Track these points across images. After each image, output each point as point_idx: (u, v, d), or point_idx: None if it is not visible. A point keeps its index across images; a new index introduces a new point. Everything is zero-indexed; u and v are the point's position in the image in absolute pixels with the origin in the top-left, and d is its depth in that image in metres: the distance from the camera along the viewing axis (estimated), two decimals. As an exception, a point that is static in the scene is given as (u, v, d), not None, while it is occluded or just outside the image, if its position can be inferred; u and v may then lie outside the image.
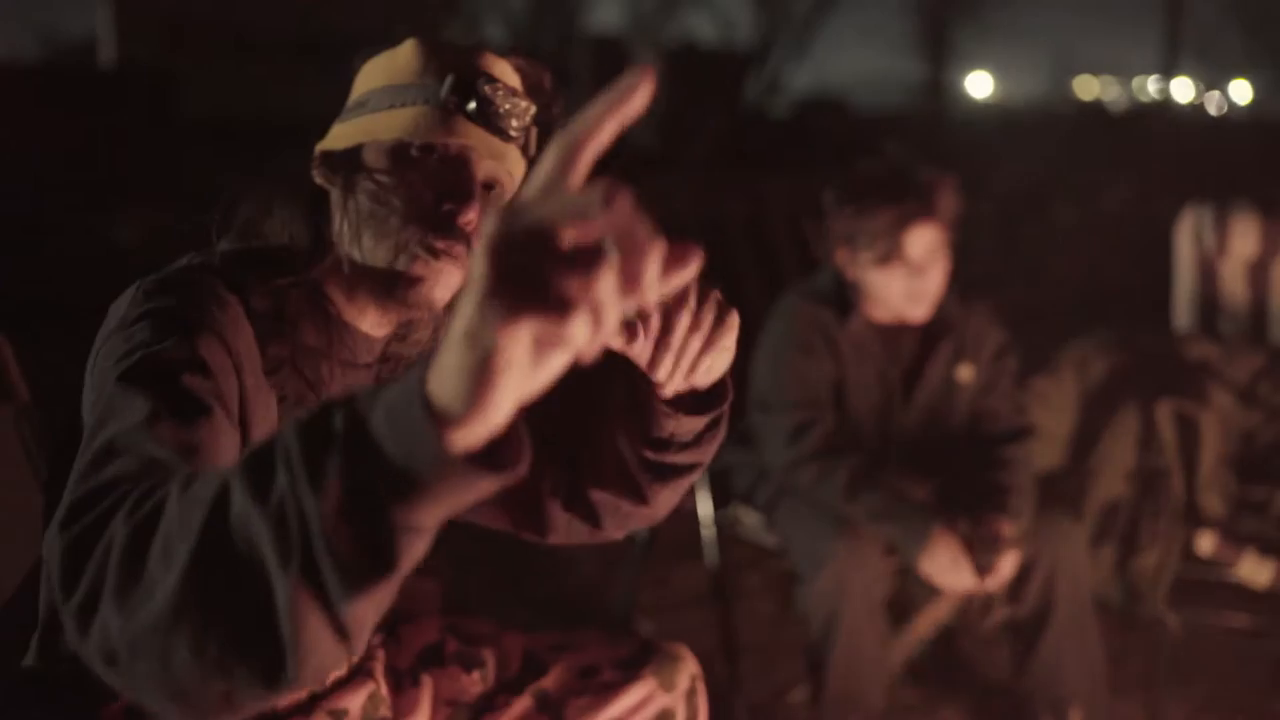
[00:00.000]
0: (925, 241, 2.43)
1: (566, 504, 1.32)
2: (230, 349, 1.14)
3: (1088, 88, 47.08)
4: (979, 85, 48.66)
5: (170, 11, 20.72)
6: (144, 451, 0.96)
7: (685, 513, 2.75)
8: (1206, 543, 2.51)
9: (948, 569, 2.29)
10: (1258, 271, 3.03)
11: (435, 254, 1.20)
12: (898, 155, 2.55)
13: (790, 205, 3.27)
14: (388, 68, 1.27)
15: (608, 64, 22.60)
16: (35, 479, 1.57)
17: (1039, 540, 2.36)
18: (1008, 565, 2.31)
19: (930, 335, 2.55)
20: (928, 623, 2.49)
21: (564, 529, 1.34)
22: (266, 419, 1.20)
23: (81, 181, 10.06)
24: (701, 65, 22.91)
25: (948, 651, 2.91)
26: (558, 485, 1.32)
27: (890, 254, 2.43)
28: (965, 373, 2.55)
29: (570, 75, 22.87)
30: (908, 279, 2.44)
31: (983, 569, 2.28)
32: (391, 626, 1.52)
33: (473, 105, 1.23)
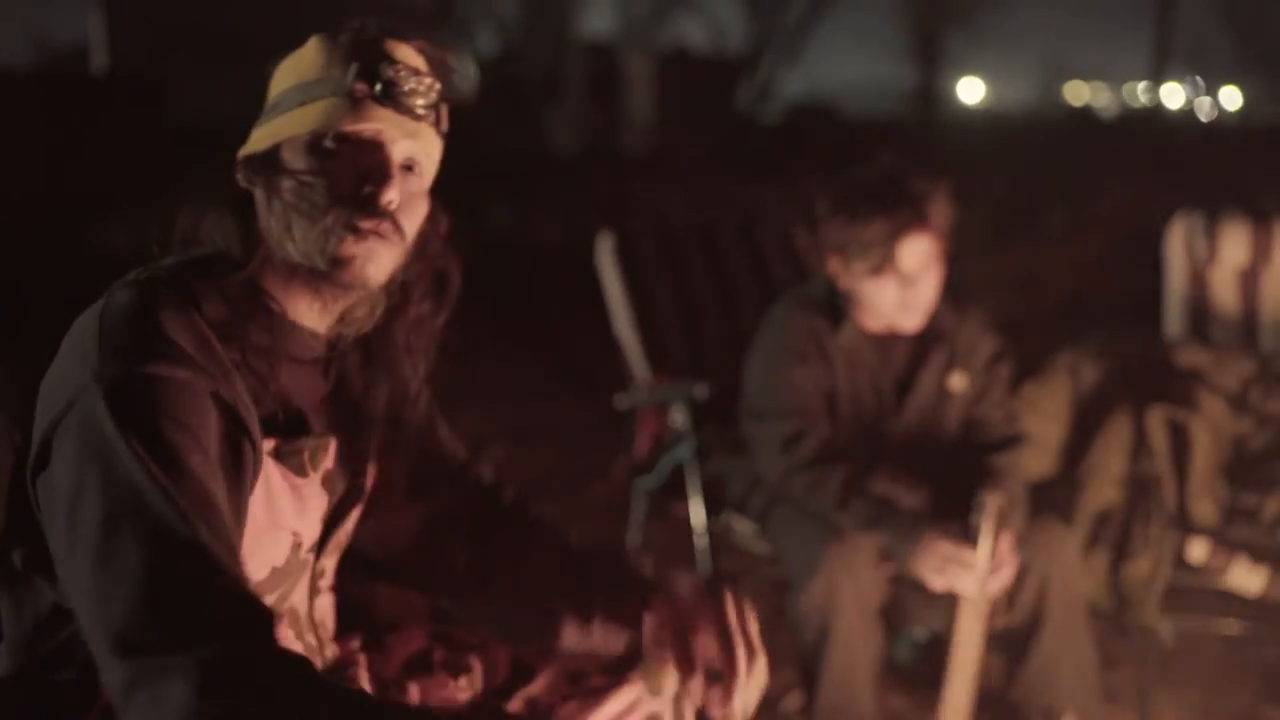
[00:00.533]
0: (918, 252, 2.43)
1: None
2: (205, 369, 1.20)
3: (1078, 93, 47.19)
4: (970, 91, 48.75)
5: (162, 18, 20.69)
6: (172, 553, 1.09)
7: (678, 520, 2.75)
8: (1198, 550, 2.52)
9: (940, 570, 2.29)
10: (1248, 279, 3.04)
11: (362, 233, 1.26)
12: (890, 163, 2.55)
13: (783, 212, 3.27)
14: (295, 68, 1.33)
15: (600, 70, 22.59)
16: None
17: (1031, 548, 2.36)
18: (1006, 571, 2.31)
19: (923, 344, 2.55)
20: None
21: None
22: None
23: (72, 187, 10.02)
24: (693, 71, 22.92)
25: (940, 659, 2.91)
26: None
27: (883, 264, 2.43)
28: (958, 381, 2.55)
29: (562, 81, 22.88)
30: (900, 289, 2.44)
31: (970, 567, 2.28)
32: (376, 636, 1.52)
33: (379, 88, 1.28)
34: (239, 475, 1.23)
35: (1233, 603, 2.48)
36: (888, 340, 2.55)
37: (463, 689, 1.48)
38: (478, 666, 1.50)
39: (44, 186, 9.78)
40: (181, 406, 1.16)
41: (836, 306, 2.54)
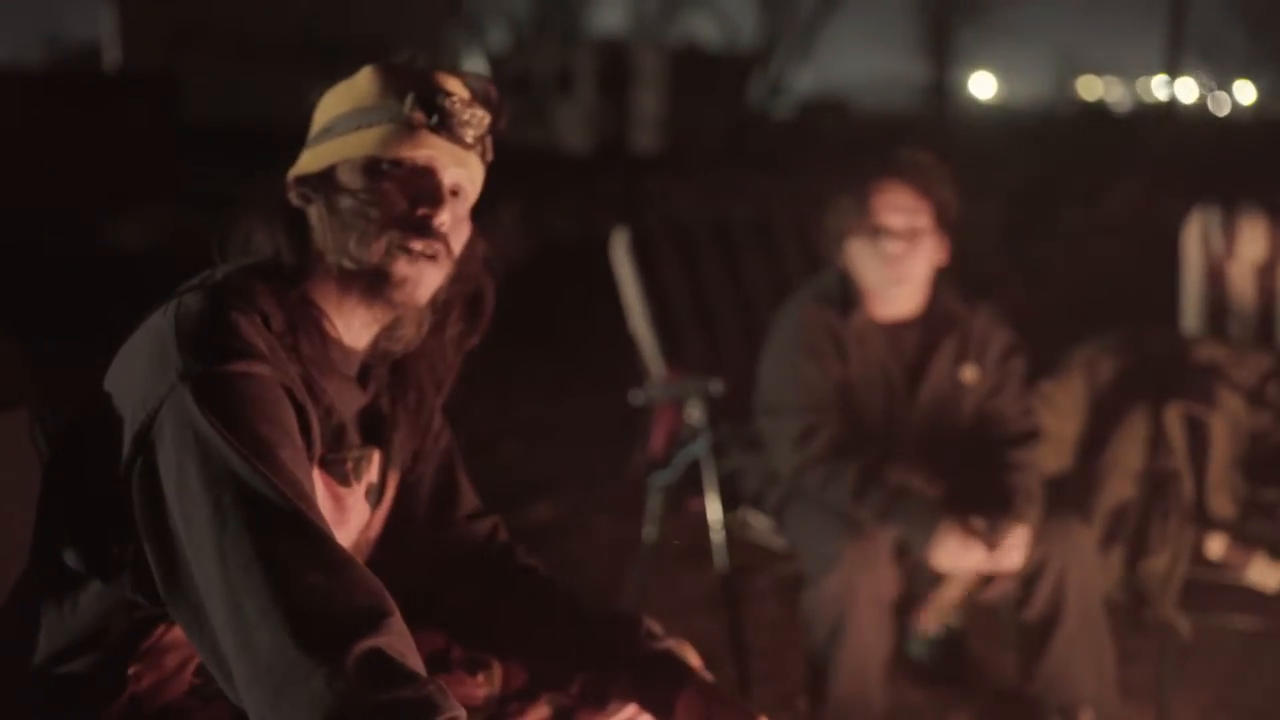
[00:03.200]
0: (895, 205, 2.45)
1: None
2: (279, 367, 1.26)
3: (1091, 88, 47.03)
4: (982, 86, 48.63)
5: (174, 16, 20.76)
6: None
7: (694, 516, 2.76)
8: (1216, 545, 2.51)
9: (958, 554, 2.30)
10: (1265, 274, 3.02)
11: (414, 254, 1.33)
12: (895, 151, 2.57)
13: (795, 207, 3.27)
14: (349, 95, 1.40)
15: (611, 67, 22.60)
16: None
17: (1048, 544, 2.36)
18: (1019, 548, 2.32)
19: (933, 333, 2.55)
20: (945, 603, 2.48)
21: None
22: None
23: (86, 184, 10.06)
24: (705, 67, 22.90)
25: (956, 654, 2.91)
26: None
27: (861, 219, 2.46)
28: (970, 373, 2.55)
29: (573, 78, 22.88)
30: (879, 245, 2.45)
31: (992, 545, 2.29)
32: None
33: (434, 118, 1.36)
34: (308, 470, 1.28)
35: (1251, 598, 2.47)
36: (898, 328, 2.55)
37: (480, 685, 1.48)
38: (497, 667, 1.50)
39: (57, 184, 9.81)
40: (266, 401, 1.22)
41: (847, 296, 2.54)
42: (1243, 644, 2.88)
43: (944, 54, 33.94)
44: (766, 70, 25.97)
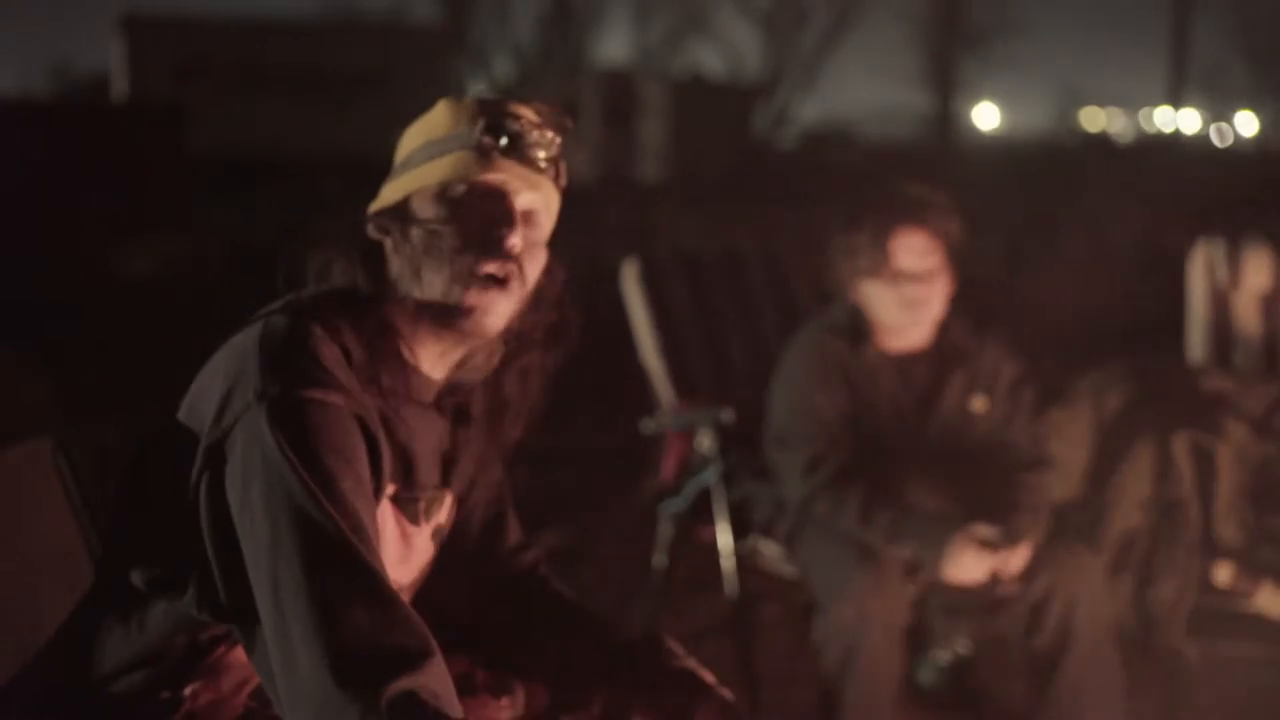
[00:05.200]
0: (913, 250, 2.47)
1: None
2: (355, 397, 1.27)
3: (1094, 119, 47.18)
4: (985, 117, 48.78)
5: (182, 48, 20.86)
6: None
7: (705, 544, 2.77)
8: (1224, 573, 2.52)
9: (972, 567, 2.32)
10: (1271, 304, 3.05)
11: (487, 282, 1.33)
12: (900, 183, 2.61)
13: (803, 237, 3.30)
14: (424, 129, 1.41)
15: (616, 97, 22.69)
16: (72, 510, 1.59)
17: (1057, 572, 2.37)
18: (1021, 556, 2.35)
19: (942, 364, 2.58)
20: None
21: None
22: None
23: (93, 213, 10.11)
24: (710, 98, 23.00)
25: (966, 682, 2.91)
26: None
27: (879, 263, 2.48)
28: (980, 404, 2.57)
29: (578, 108, 22.98)
30: (900, 292, 2.47)
31: (998, 550, 2.34)
32: None
33: (505, 141, 1.36)
34: (375, 503, 1.29)
35: (1259, 626, 2.48)
36: (908, 360, 2.57)
37: (505, 709, 1.49)
38: (520, 690, 1.52)
39: (66, 213, 9.86)
40: (337, 431, 1.23)
41: (857, 328, 2.57)
42: (1251, 671, 2.88)
43: (947, 85, 34.08)
44: (771, 101, 26.08)
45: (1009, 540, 2.35)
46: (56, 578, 1.53)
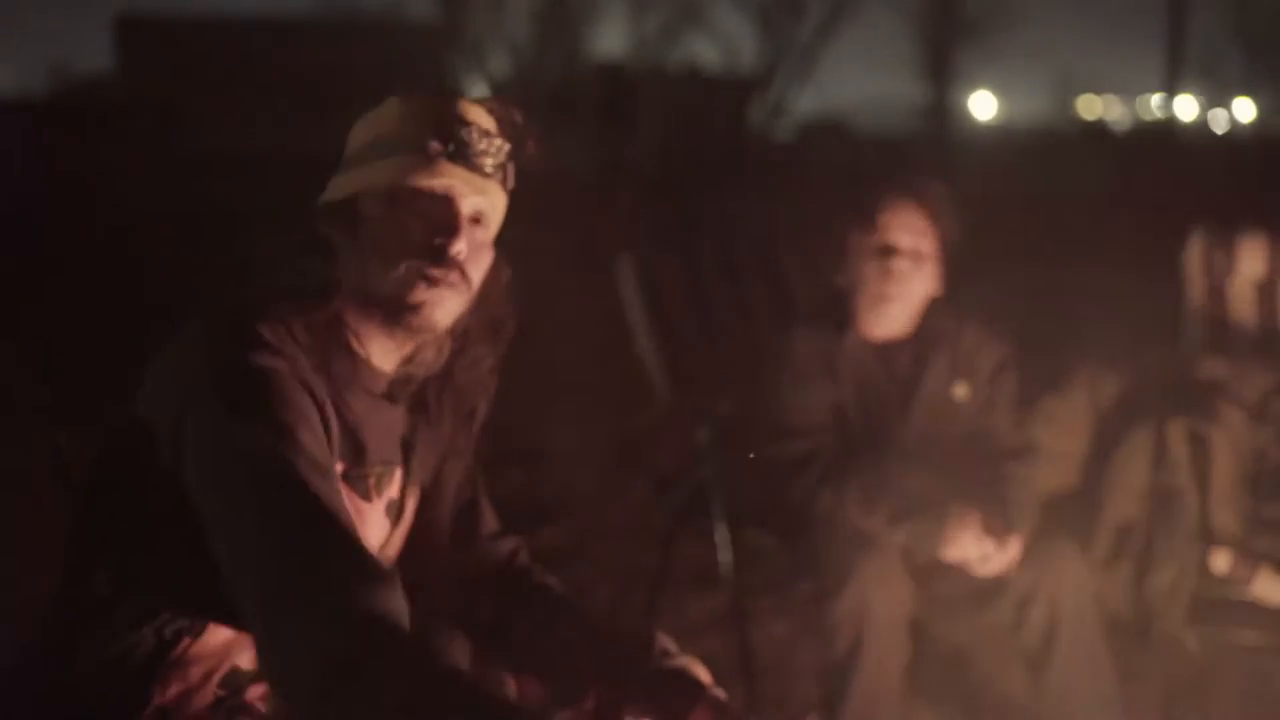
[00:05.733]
0: (905, 224, 2.49)
1: None
2: (300, 365, 1.32)
3: (1091, 107, 47.14)
4: (982, 106, 48.73)
5: (178, 48, 20.87)
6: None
7: (703, 536, 2.77)
8: (1221, 561, 2.52)
9: (973, 547, 2.34)
10: (1266, 291, 3.04)
11: (432, 282, 1.37)
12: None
13: (799, 228, 3.29)
14: (374, 124, 1.43)
15: (612, 91, 22.68)
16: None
17: (1039, 568, 2.38)
18: (1010, 555, 2.36)
19: (924, 351, 2.58)
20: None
21: None
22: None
23: (90, 211, 10.13)
24: (706, 90, 22.99)
25: (965, 673, 2.91)
26: None
27: (869, 234, 2.50)
28: (961, 390, 2.58)
29: (574, 102, 22.96)
30: (885, 263, 2.48)
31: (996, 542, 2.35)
32: None
33: (451, 148, 1.39)
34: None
35: (1257, 613, 2.48)
36: (890, 349, 2.58)
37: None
38: (511, 683, 1.52)
39: (62, 211, 9.88)
40: (286, 393, 1.27)
41: (841, 315, 2.57)
42: (1250, 659, 2.88)
43: (943, 74, 34.04)
44: (767, 93, 26.04)
45: (1002, 534, 2.36)
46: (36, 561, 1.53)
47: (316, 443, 1.28)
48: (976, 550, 2.35)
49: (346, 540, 1.22)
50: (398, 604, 1.19)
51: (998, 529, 2.36)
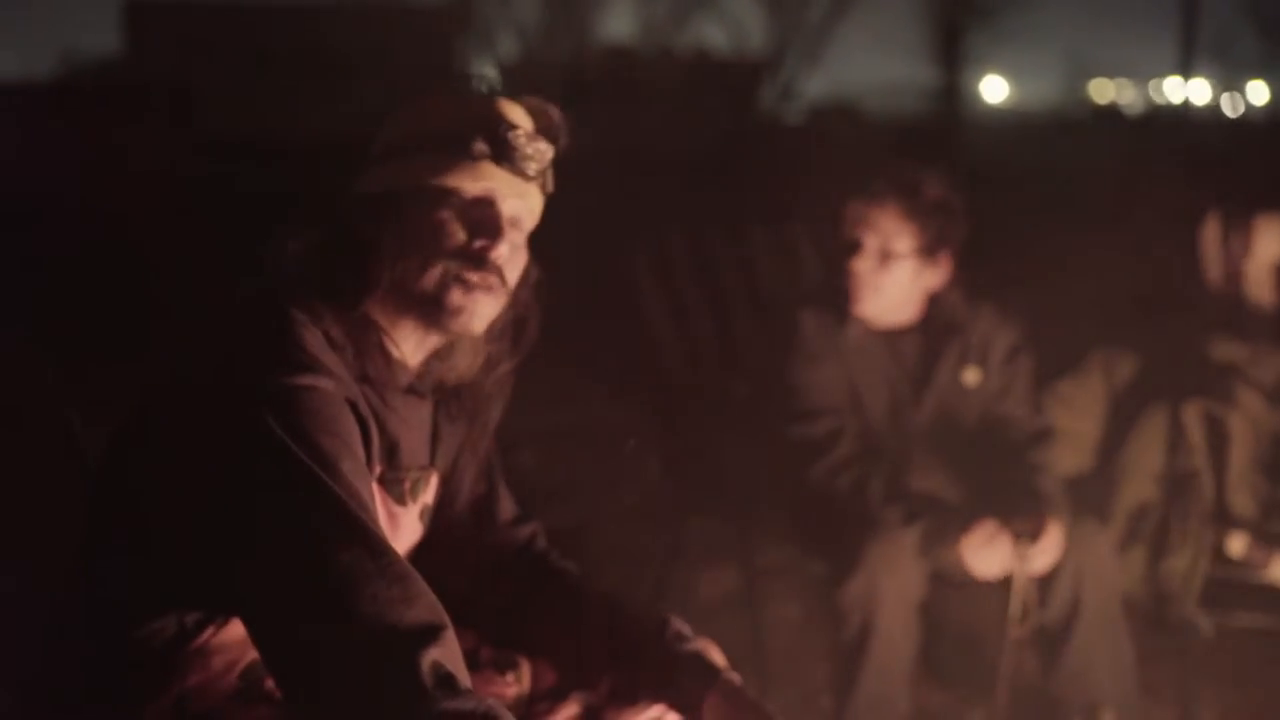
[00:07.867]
0: (869, 224, 2.48)
1: None
2: (343, 381, 1.28)
3: (1103, 90, 46.90)
4: (993, 90, 48.49)
5: (188, 31, 20.85)
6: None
7: (714, 517, 2.77)
8: (1237, 544, 2.51)
9: (987, 555, 2.31)
10: (1283, 273, 3.02)
11: (470, 286, 1.35)
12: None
13: (810, 211, 3.28)
14: (415, 117, 1.41)
15: (621, 74, 22.62)
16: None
17: (1064, 545, 2.37)
18: (1051, 551, 2.32)
19: (933, 338, 2.56)
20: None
21: None
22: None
23: (101, 197, 10.12)
24: (715, 74, 22.92)
25: (977, 655, 2.91)
26: None
27: (839, 232, 2.50)
28: (972, 376, 2.56)
29: (583, 86, 22.91)
30: (850, 261, 2.48)
31: (1021, 551, 2.30)
32: None
33: (497, 150, 1.37)
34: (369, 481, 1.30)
35: (1273, 597, 2.47)
36: (896, 336, 2.56)
37: (510, 684, 1.49)
38: (525, 667, 1.52)
39: (73, 196, 9.88)
40: (329, 415, 1.23)
41: (840, 304, 2.55)
42: (1265, 642, 2.87)
43: (955, 58, 33.87)
44: (776, 76, 25.96)
45: (1032, 536, 2.32)
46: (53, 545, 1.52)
47: (356, 469, 1.24)
48: (989, 559, 2.32)
49: (394, 569, 1.17)
50: (436, 616, 1.16)
51: (1023, 540, 2.32)
